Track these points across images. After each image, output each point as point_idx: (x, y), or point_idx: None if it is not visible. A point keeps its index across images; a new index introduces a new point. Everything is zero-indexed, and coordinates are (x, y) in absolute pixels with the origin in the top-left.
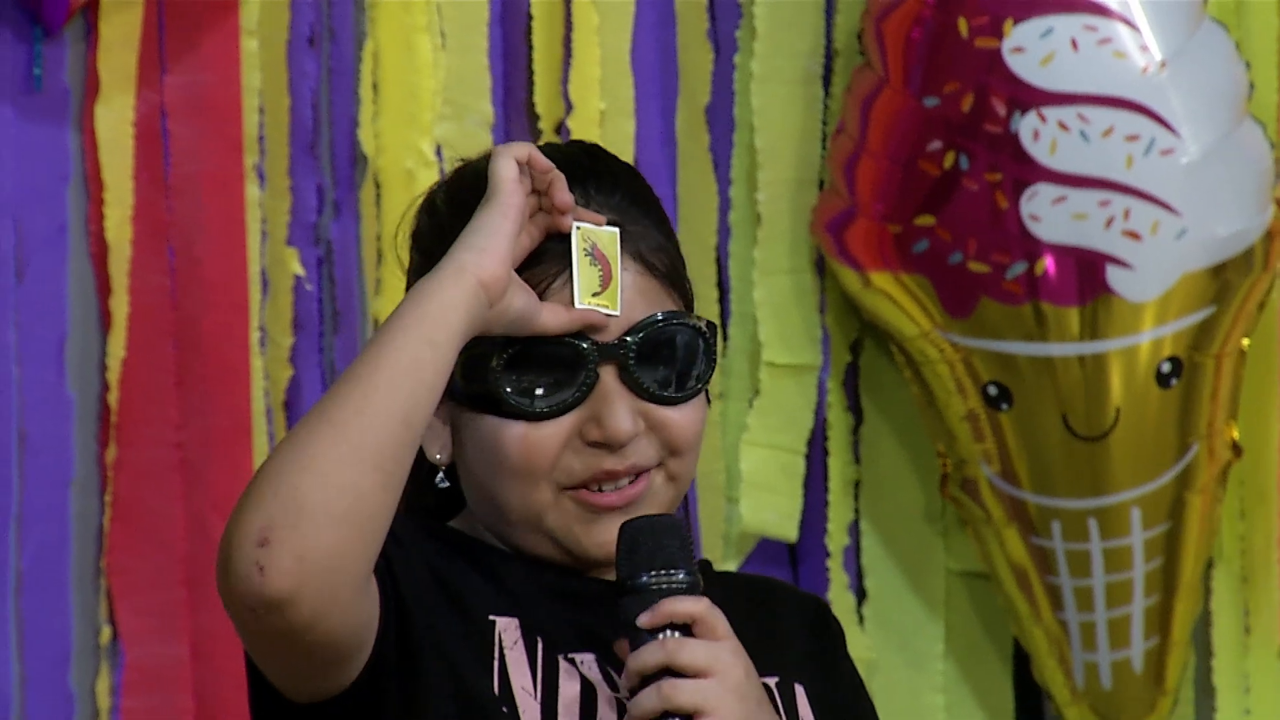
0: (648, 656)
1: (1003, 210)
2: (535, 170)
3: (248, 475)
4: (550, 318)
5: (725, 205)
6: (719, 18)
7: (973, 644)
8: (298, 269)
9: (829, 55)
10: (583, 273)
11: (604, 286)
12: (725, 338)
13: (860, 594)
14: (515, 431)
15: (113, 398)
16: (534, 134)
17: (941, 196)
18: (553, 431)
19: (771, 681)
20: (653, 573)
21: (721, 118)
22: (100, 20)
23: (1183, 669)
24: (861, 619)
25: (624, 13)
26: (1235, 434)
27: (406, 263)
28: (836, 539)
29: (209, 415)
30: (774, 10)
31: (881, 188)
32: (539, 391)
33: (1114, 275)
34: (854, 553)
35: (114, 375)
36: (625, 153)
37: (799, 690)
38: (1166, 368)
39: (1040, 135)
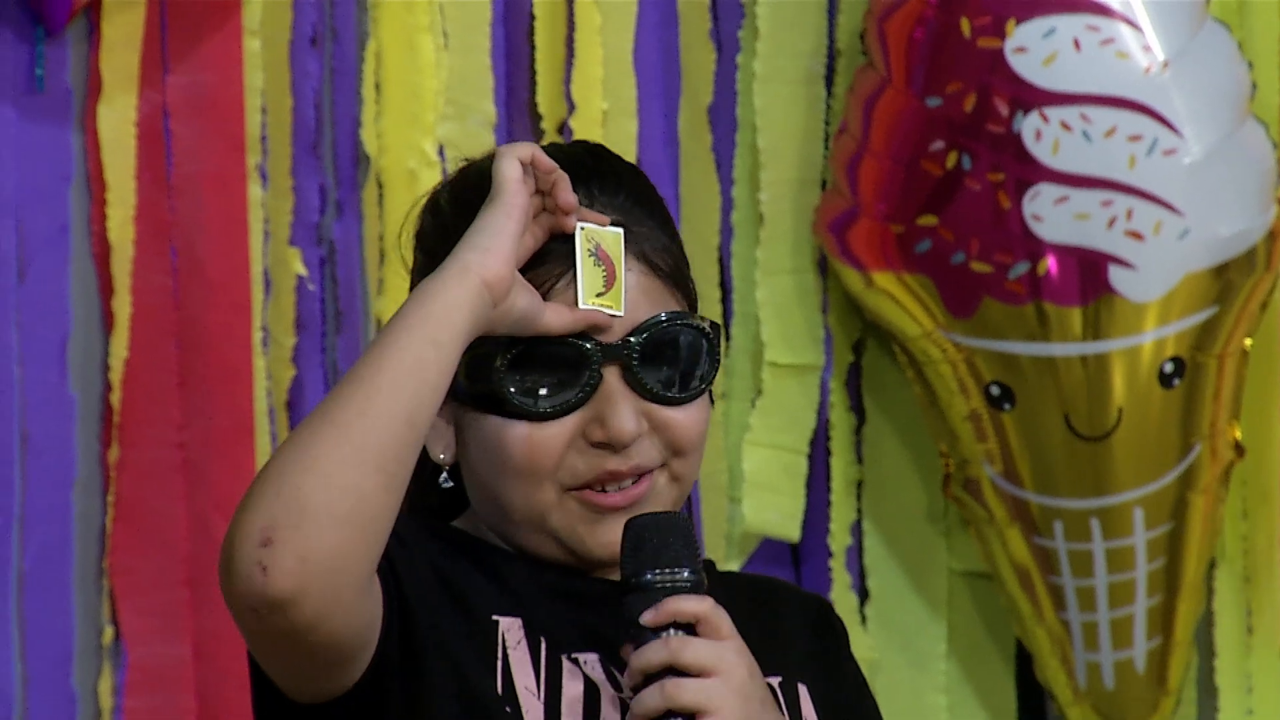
0: (651, 655)
1: (1005, 210)
2: (539, 170)
3: (250, 476)
4: (554, 318)
5: (728, 205)
6: (721, 17)
7: (975, 644)
8: (300, 269)
9: (831, 55)
10: (586, 273)
11: (608, 287)
12: (728, 338)
13: (863, 594)
14: (519, 432)
15: (115, 398)
16: (536, 134)
17: (944, 196)
18: (556, 432)
19: (774, 682)
20: (657, 571)
21: (724, 118)
22: (102, 20)
23: (1185, 669)
24: (864, 619)
25: (626, 12)
26: (1238, 434)
27: (410, 262)
28: (839, 539)
29: (211, 415)
30: (776, 10)
31: (884, 188)
32: (543, 392)
33: (1116, 275)
34: (856, 553)
35: (116, 375)
36: (628, 153)
37: (802, 690)
38: (1169, 368)
39: (1043, 135)
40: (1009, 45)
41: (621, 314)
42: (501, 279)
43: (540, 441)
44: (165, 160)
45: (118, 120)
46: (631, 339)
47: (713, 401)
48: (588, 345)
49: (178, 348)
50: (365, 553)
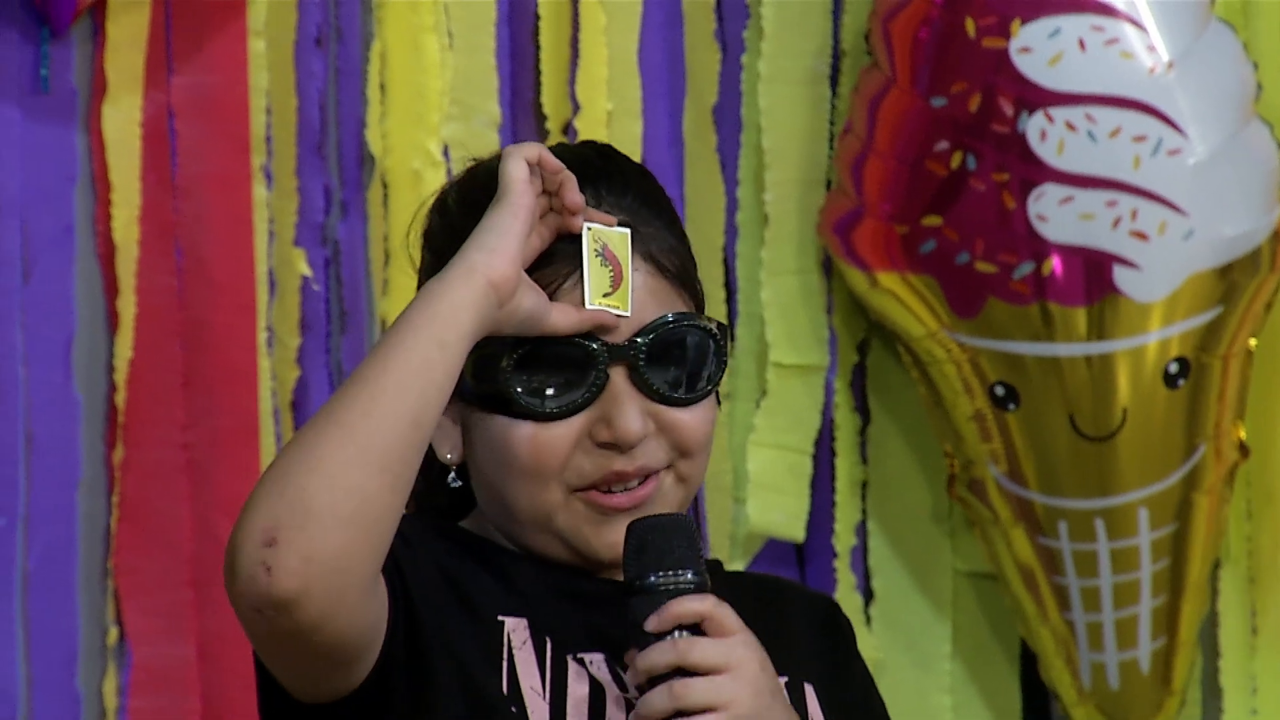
0: (657, 657)
1: (1010, 210)
2: (546, 171)
3: (255, 476)
4: (560, 318)
5: (732, 205)
6: (726, 18)
7: (980, 644)
8: (305, 269)
9: (836, 55)
10: (593, 273)
11: (614, 287)
12: (732, 338)
13: (867, 594)
14: (525, 432)
15: (120, 398)
16: (541, 134)
17: (949, 197)
18: (562, 432)
19: (781, 681)
20: (660, 573)
21: (729, 118)
22: (107, 21)
23: (1190, 669)
24: (869, 619)
25: (631, 13)
26: (1242, 434)
27: (418, 262)
28: (843, 539)
29: (216, 416)
30: (781, 10)
31: (889, 188)
32: (549, 392)
33: (1121, 276)
34: (861, 553)
35: (121, 376)
36: (632, 153)
37: (808, 690)
38: (1174, 368)
39: (1047, 135)
40: (1014, 45)
41: (628, 314)
42: (507, 279)
43: (546, 442)
44: (170, 161)
45: (123, 121)
46: (638, 339)
47: (719, 402)
48: (594, 346)
49: (182, 348)
50: (370, 553)
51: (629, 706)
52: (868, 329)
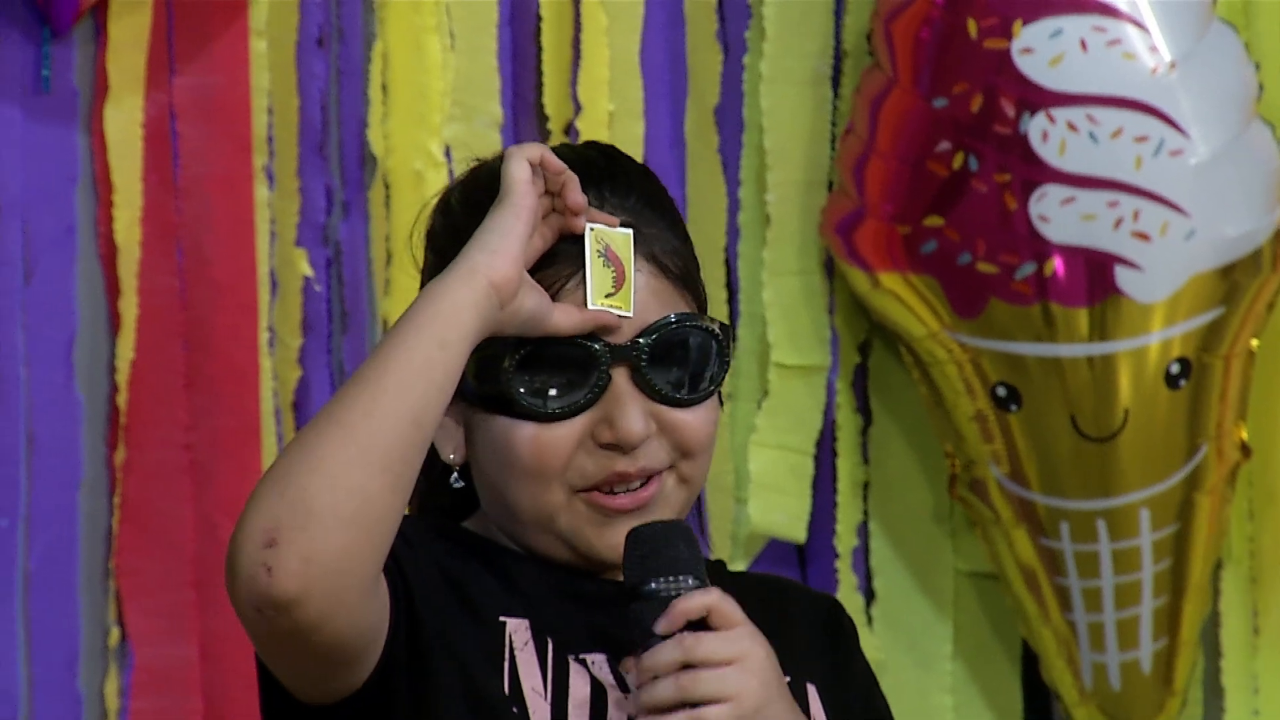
0: (664, 655)
1: (1012, 211)
2: (548, 171)
3: (256, 476)
4: (562, 319)
5: (734, 206)
6: (728, 19)
7: (981, 645)
8: (307, 270)
9: (838, 56)
10: (596, 274)
11: (617, 288)
12: (734, 339)
13: (869, 595)
14: (527, 432)
15: (121, 399)
16: (543, 135)
17: (950, 197)
18: (564, 433)
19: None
20: (661, 579)
21: (730, 119)
22: (109, 21)
23: (1191, 670)
24: (870, 620)
25: (633, 14)
26: (1244, 435)
27: (422, 262)
28: (845, 540)
29: (218, 416)
30: (783, 11)
31: (890, 188)
32: (551, 392)
33: (1123, 276)
34: (862, 554)
35: (123, 377)
36: (634, 154)
37: (811, 690)
38: (1175, 369)
39: (1049, 136)
40: (1015, 46)
41: (630, 315)
42: (509, 280)
43: (548, 442)
44: (172, 161)
45: (124, 121)
46: (640, 340)
47: (722, 403)
48: (596, 346)
49: (184, 349)
50: (370, 554)
51: None
52: (869, 329)
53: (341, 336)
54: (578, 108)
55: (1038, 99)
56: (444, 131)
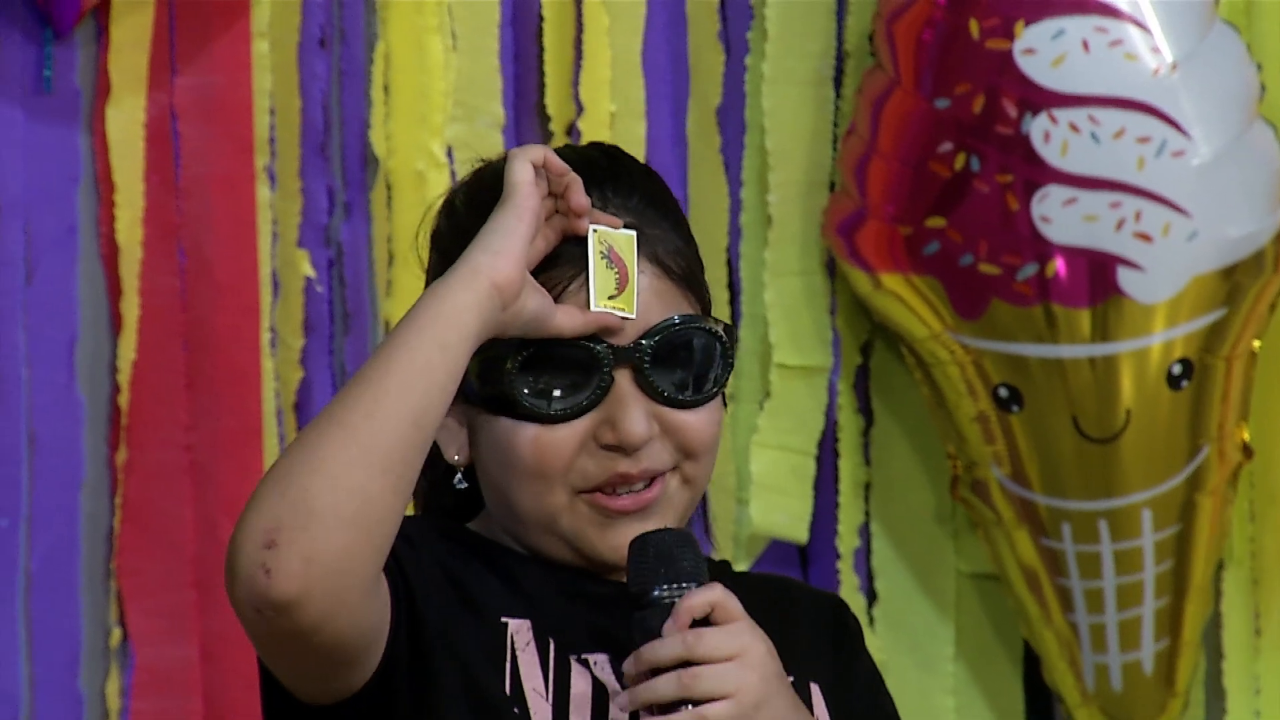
0: (664, 650)
1: (1014, 212)
2: (551, 173)
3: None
4: (565, 320)
5: (736, 207)
6: (730, 19)
7: (983, 646)
8: (308, 270)
9: (840, 57)
10: (599, 275)
11: (620, 289)
12: (737, 339)
13: (870, 596)
14: (529, 434)
15: (123, 400)
16: (545, 136)
17: (952, 198)
18: (567, 434)
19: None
20: (665, 587)
21: (732, 119)
22: (111, 22)
23: (1193, 671)
24: (872, 621)
25: (635, 14)
26: (1246, 436)
27: (426, 263)
28: (847, 541)
29: (219, 417)
30: (785, 12)
31: (892, 189)
32: (554, 394)
33: (1125, 277)
34: (864, 554)
35: (124, 377)
36: (636, 154)
37: (814, 690)
38: (1177, 369)
39: (1051, 137)
40: (1018, 47)
41: (633, 316)
42: (511, 281)
43: (551, 443)
44: (173, 162)
45: (126, 122)
46: (643, 341)
47: (726, 404)
48: (599, 347)
49: (185, 349)
50: (371, 554)
51: None
52: (871, 330)
53: (343, 337)
54: (580, 108)
55: (1040, 100)
56: (446, 132)
